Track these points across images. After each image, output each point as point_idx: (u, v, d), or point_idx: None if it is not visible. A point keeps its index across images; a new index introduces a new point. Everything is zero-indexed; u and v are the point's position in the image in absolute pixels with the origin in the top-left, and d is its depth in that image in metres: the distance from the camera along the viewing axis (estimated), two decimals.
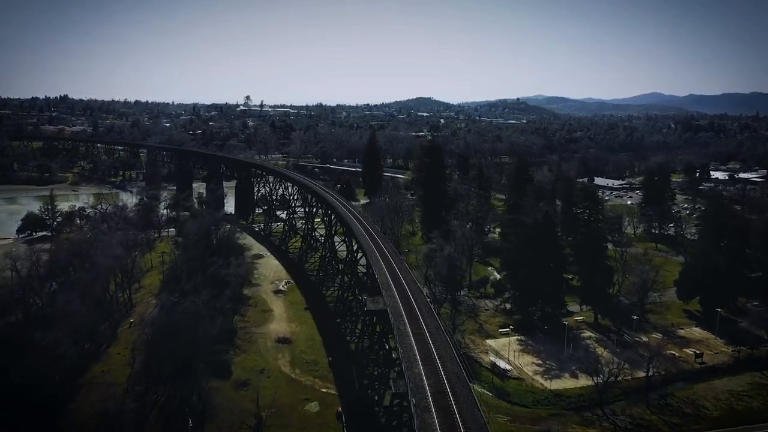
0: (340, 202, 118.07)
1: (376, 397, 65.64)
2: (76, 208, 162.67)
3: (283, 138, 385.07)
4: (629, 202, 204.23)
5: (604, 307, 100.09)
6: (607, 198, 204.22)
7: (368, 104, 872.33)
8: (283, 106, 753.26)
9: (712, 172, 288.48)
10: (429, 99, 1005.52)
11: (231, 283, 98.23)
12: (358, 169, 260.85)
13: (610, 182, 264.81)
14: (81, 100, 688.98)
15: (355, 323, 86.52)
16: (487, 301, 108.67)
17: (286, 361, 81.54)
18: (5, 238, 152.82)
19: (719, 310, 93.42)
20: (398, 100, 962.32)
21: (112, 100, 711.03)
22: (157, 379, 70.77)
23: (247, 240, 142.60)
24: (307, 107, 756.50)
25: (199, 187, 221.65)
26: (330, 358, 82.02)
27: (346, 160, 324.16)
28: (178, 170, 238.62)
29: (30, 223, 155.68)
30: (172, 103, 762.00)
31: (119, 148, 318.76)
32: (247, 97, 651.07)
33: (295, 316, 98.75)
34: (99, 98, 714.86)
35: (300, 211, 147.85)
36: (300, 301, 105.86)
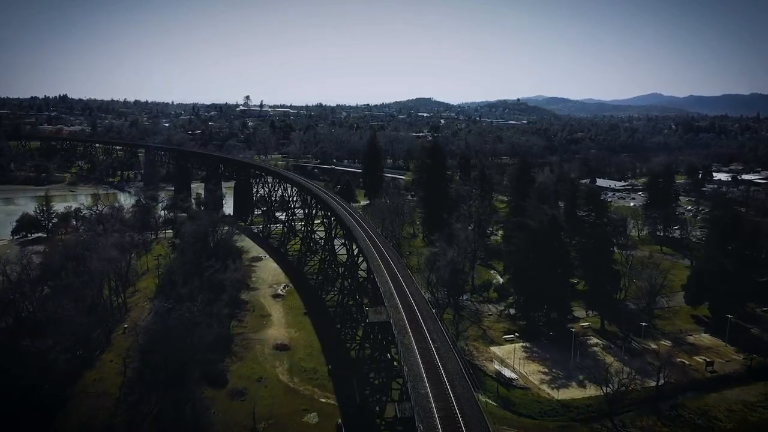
0: (340, 204, 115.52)
1: (377, 408, 63.05)
2: (72, 209, 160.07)
3: (282, 138, 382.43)
4: (632, 204, 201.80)
5: (611, 312, 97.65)
6: (609, 199, 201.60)
7: (368, 104, 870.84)
8: (282, 106, 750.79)
9: (714, 174, 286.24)
10: (429, 99, 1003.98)
11: (228, 288, 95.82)
12: (358, 170, 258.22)
13: (612, 183, 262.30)
14: (80, 100, 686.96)
15: (356, 329, 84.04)
16: (490, 306, 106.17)
17: (284, 369, 78.98)
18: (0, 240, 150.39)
19: (730, 316, 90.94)
20: (398, 100, 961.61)
21: (112, 100, 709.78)
22: (150, 388, 68.18)
23: (246, 242, 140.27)
24: (307, 107, 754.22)
25: (197, 188, 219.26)
26: (329, 366, 79.46)
27: (345, 161, 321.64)
28: (177, 170, 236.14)
29: (25, 224, 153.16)
30: (172, 103, 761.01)
31: (117, 148, 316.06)
32: (247, 97, 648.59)
33: (294, 321, 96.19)
34: (99, 98, 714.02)
35: (299, 212, 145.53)
36: (299, 305, 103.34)
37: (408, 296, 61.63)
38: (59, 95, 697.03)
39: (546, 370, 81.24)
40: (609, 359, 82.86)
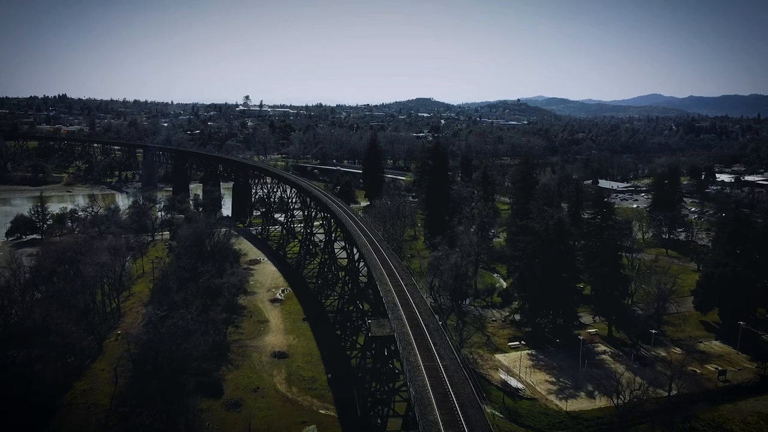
0: (340, 206, 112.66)
1: (378, 421, 60.28)
2: (68, 211, 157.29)
3: (282, 138, 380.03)
4: (635, 206, 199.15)
5: (619, 318, 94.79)
6: (612, 201, 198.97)
7: (368, 105, 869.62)
8: (282, 106, 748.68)
9: (717, 175, 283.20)
10: (429, 99, 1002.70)
11: (225, 292, 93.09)
12: (358, 170, 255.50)
13: (614, 185, 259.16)
14: (79, 100, 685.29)
15: (356, 336, 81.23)
16: (494, 311, 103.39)
17: (282, 378, 76.18)
18: None
19: (742, 323, 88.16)
20: (398, 100, 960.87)
21: (111, 100, 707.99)
22: (141, 399, 65.34)
23: (244, 244, 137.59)
24: (306, 107, 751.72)
25: (196, 189, 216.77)
26: (329, 375, 76.74)
27: (345, 161, 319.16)
28: (175, 171, 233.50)
29: (19, 225, 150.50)
30: (171, 102, 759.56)
31: (116, 148, 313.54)
32: (247, 97, 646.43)
33: (292, 327, 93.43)
34: (98, 98, 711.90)
35: (298, 214, 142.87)
36: (298, 310, 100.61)
37: (412, 306, 58.79)
38: (58, 95, 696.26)
39: (553, 379, 78.40)
40: (619, 368, 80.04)
